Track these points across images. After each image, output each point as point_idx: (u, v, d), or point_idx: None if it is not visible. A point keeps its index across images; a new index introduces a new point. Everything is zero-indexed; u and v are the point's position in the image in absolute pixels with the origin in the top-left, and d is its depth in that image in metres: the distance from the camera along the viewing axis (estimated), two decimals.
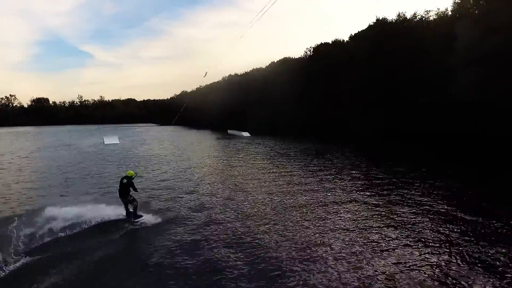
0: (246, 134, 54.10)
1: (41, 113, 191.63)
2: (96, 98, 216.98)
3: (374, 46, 42.53)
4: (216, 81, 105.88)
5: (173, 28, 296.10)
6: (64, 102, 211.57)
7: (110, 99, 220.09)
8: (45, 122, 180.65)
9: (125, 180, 10.93)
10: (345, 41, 57.40)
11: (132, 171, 11.50)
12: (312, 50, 64.41)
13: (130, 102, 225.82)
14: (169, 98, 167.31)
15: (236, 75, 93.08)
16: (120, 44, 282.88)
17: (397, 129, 38.17)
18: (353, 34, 55.44)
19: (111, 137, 42.83)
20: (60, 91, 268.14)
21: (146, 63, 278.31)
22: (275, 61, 77.39)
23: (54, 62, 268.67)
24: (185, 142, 44.43)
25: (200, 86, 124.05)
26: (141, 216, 11.05)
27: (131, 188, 10.96)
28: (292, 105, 57.83)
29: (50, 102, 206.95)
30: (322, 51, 60.31)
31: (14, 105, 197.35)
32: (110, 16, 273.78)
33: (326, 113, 50.37)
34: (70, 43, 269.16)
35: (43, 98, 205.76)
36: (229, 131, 65.24)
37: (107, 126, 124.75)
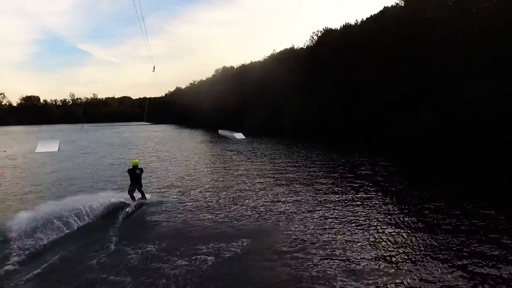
0: (239, 135, 43.12)
1: (31, 112, 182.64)
2: (90, 96, 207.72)
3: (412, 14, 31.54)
4: (212, 75, 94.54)
5: (171, 27, 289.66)
6: (55, 101, 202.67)
7: (104, 97, 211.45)
8: (36, 121, 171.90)
9: (138, 171, 11.81)
10: (358, 23, 46.38)
11: (136, 160, 12.41)
12: (320, 33, 53.27)
13: (125, 100, 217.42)
14: (163, 95, 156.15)
15: (231, 67, 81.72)
16: (118, 43, 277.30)
17: (446, 134, 27.26)
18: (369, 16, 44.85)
19: (48, 143, 32.03)
20: (59, 91, 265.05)
21: (145, 61, 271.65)
22: (276, 52, 66.26)
23: (53, 61, 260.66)
24: (155, 149, 33.34)
25: (194, 81, 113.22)
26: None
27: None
28: (297, 101, 46.87)
29: (41, 100, 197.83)
30: (332, 34, 49.25)
31: (3, 103, 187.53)
32: (108, 15, 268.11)
33: (342, 109, 39.30)
34: (68, 42, 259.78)
35: (33, 96, 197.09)
36: (220, 132, 54.43)
37: (93, 125, 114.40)
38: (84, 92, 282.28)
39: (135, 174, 11.72)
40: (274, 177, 16.64)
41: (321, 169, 18.56)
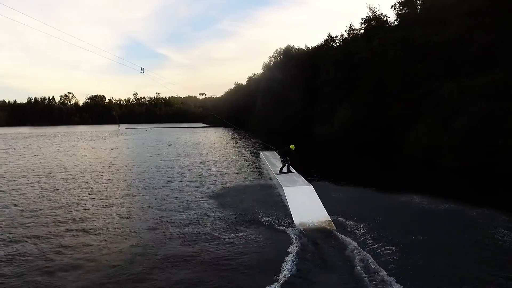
0: (297, 187, 10.27)
1: (95, 111, 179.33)
2: (153, 95, 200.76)
3: None
4: (269, 57, 67.92)
5: (242, 30, 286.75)
6: (120, 100, 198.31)
7: (168, 97, 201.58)
8: (97, 121, 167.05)
9: (292, 150, 14.01)
10: None
11: (293, 145, 14.11)
12: None
13: (189, 100, 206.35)
14: (223, 94, 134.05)
15: (299, 49, 55.11)
16: (192, 46, 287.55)
17: None
18: None
19: None
20: (139, 93, 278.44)
21: (217, 63, 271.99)
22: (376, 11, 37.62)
23: (134, 64, 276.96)
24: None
25: (254, 74, 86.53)
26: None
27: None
28: (440, 88, 19.64)
29: (106, 100, 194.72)
30: None
31: (71, 103, 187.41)
32: (183, 19, 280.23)
33: None
34: (147, 46, 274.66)
35: (99, 95, 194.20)
36: (262, 156, 22.03)
37: (132, 127, 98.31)
38: (162, 93, 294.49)
39: (289, 150, 13.90)
40: None
41: None
